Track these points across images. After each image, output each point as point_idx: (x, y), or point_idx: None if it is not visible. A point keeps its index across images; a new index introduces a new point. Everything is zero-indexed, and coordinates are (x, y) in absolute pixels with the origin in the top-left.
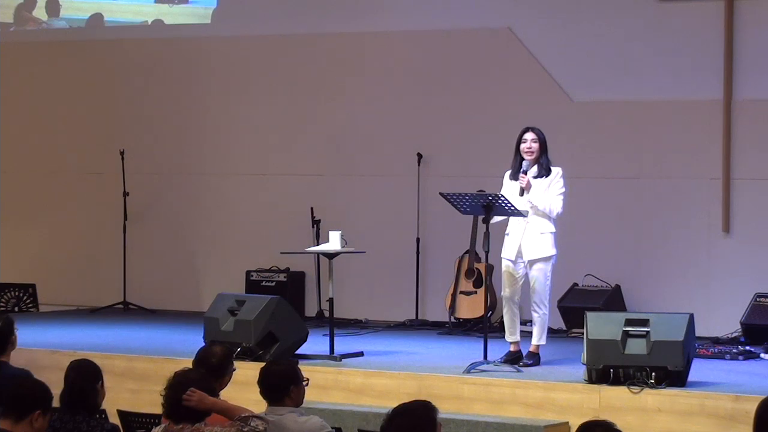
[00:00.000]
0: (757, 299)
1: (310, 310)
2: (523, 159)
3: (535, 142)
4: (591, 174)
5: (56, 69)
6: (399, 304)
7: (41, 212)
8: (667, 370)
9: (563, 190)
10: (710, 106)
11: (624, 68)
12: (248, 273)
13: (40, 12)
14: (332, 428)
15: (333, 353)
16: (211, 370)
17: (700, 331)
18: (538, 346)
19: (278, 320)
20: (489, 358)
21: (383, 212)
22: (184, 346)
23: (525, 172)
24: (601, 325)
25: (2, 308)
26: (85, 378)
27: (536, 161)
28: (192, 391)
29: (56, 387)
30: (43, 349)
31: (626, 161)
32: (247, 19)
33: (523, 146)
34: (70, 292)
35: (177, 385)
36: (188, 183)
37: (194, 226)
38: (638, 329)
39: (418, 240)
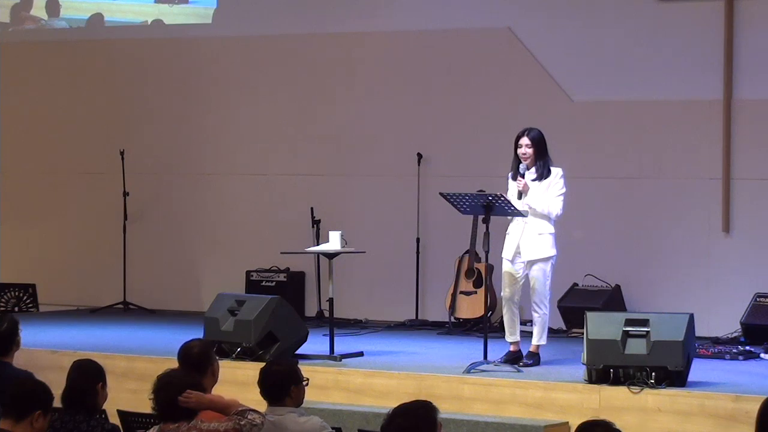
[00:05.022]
0: (757, 299)
1: (310, 310)
2: (520, 161)
3: (529, 147)
4: (591, 174)
5: (56, 69)
6: (399, 304)
7: (41, 212)
8: (667, 370)
9: (563, 191)
10: (710, 106)
11: (624, 68)
12: (248, 273)
13: (39, 12)
14: (332, 428)
15: (333, 353)
16: (192, 364)
17: (700, 331)
18: (538, 346)
19: (278, 320)
20: (489, 358)
21: (383, 212)
22: None
23: (522, 176)
24: (601, 325)
25: (2, 308)
26: (85, 378)
27: (534, 163)
28: (189, 393)
29: (56, 387)
30: (43, 349)
31: (626, 161)
32: (247, 19)
33: (519, 151)
34: (70, 292)
35: (166, 386)
36: (188, 183)
37: (194, 226)
38: (638, 329)
39: (418, 240)
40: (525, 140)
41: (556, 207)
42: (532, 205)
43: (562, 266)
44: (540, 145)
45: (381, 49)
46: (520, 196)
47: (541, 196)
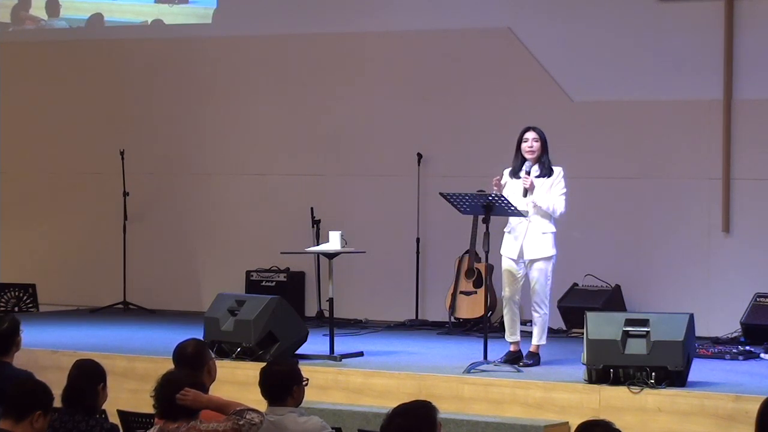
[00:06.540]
0: (757, 299)
1: (310, 310)
2: (524, 159)
3: (536, 141)
4: (591, 174)
5: (56, 69)
6: (399, 304)
7: (41, 212)
8: (667, 370)
9: (565, 190)
10: (710, 106)
11: (624, 68)
12: (248, 273)
13: (39, 12)
14: (332, 428)
15: (333, 353)
16: (187, 364)
17: (700, 331)
18: (538, 346)
19: (278, 320)
20: (489, 358)
21: (383, 212)
22: None
23: (528, 173)
24: (601, 325)
25: (2, 308)
26: (85, 378)
27: (537, 160)
28: (186, 391)
29: (56, 387)
30: (44, 349)
31: (626, 161)
32: (247, 19)
33: (524, 146)
34: (70, 292)
35: (167, 384)
36: (188, 183)
37: (194, 226)
38: (638, 329)
39: (418, 240)
40: (532, 134)
41: (560, 205)
42: (538, 203)
43: (562, 266)
44: (545, 141)
45: (381, 49)
46: (525, 193)
47: (546, 194)
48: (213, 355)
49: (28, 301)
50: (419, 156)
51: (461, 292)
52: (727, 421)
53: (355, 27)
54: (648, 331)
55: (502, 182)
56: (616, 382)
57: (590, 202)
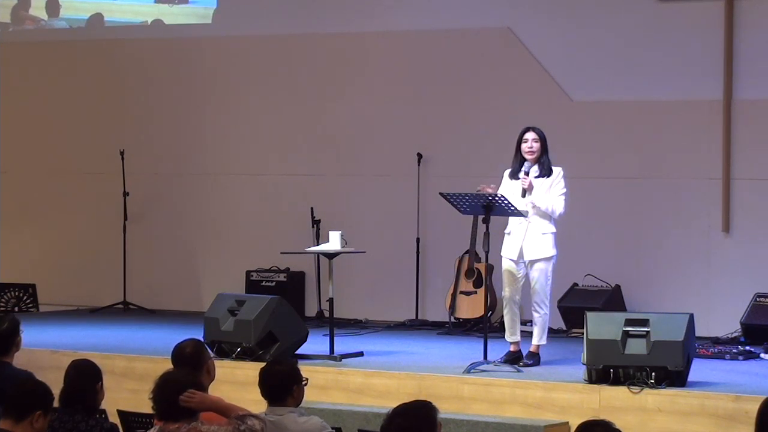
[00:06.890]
0: (757, 299)
1: (310, 310)
2: (524, 159)
3: (536, 141)
4: (591, 174)
5: (56, 69)
6: (399, 304)
7: (41, 212)
8: (667, 370)
9: (564, 190)
10: (710, 106)
11: (624, 68)
12: (248, 273)
13: (39, 12)
14: (332, 428)
15: (333, 353)
16: (186, 364)
17: (700, 331)
18: (538, 346)
19: (278, 320)
20: (489, 358)
21: (383, 212)
22: None
23: (527, 174)
24: (601, 325)
25: (2, 308)
26: (84, 378)
27: (537, 161)
28: (192, 393)
29: (56, 387)
30: (43, 349)
31: (626, 161)
32: (247, 19)
33: (524, 146)
34: (70, 292)
35: (166, 385)
36: (188, 183)
37: (194, 226)
38: (638, 329)
39: (418, 240)
40: (532, 134)
41: (559, 206)
42: (536, 203)
43: (562, 266)
44: (544, 141)
45: (381, 49)
46: (524, 194)
47: (545, 195)
48: (212, 355)
49: (28, 301)
50: (419, 156)
51: (461, 292)
52: (727, 421)
53: (355, 27)
54: (648, 331)
55: (501, 185)
56: (616, 382)
57: (590, 202)
